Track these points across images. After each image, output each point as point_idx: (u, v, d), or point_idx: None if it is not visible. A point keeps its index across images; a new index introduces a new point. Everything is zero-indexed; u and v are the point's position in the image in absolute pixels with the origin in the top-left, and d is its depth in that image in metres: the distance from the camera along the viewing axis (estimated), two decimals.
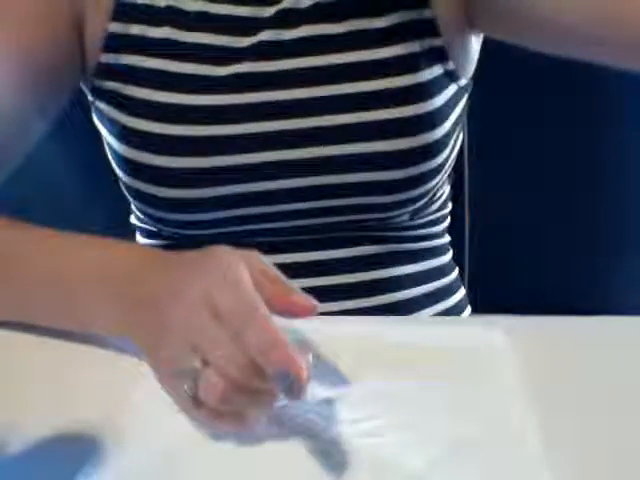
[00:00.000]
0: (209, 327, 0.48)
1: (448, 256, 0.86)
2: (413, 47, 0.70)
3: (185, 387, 0.48)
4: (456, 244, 0.88)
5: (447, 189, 0.84)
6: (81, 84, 0.75)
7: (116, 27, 0.71)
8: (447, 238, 0.87)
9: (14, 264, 0.60)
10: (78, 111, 0.76)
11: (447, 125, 0.72)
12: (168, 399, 0.52)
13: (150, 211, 0.74)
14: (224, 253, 0.52)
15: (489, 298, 0.91)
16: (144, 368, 0.55)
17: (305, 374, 0.45)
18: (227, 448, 0.49)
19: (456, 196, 0.80)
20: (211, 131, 0.69)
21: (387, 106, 0.69)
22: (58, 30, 0.70)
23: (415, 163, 0.71)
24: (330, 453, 0.49)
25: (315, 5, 0.70)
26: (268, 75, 0.70)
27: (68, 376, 0.56)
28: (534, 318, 0.67)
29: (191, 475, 0.48)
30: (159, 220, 0.75)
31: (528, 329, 0.63)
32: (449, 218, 0.86)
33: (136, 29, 0.71)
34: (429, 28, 0.70)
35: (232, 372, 0.47)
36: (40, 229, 0.62)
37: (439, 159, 0.72)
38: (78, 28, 0.71)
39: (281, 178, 0.71)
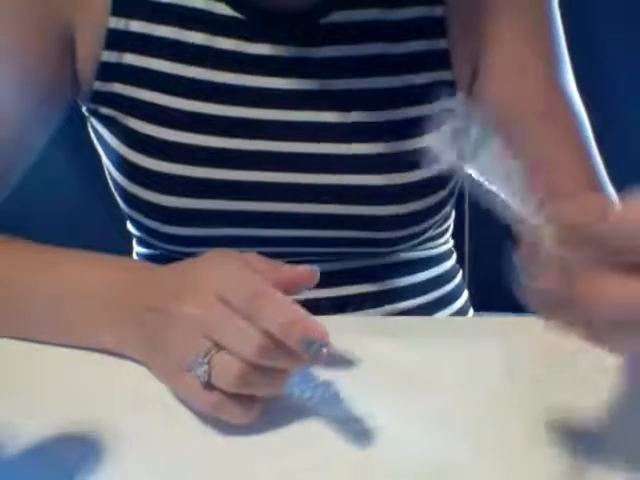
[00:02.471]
0: (219, 314, 0.48)
1: (452, 260, 0.86)
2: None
3: (198, 373, 0.48)
4: (456, 244, 0.88)
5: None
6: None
7: (109, 56, 0.68)
8: (451, 242, 0.86)
9: (13, 282, 0.60)
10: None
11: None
12: (169, 399, 0.52)
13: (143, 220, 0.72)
14: (222, 252, 0.53)
15: (489, 298, 0.91)
16: (145, 368, 0.55)
17: (328, 337, 0.46)
18: (228, 448, 0.49)
19: (456, 196, 0.80)
20: (209, 174, 0.68)
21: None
22: (48, 48, 0.67)
23: (422, 196, 0.71)
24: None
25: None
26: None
27: (68, 376, 0.56)
28: (534, 317, 0.66)
29: (192, 475, 0.48)
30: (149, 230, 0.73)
31: (528, 328, 0.62)
32: (452, 223, 0.86)
33: (130, 58, 0.68)
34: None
35: (247, 352, 0.47)
36: (38, 245, 0.62)
37: (445, 191, 0.73)
38: (70, 50, 0.68)
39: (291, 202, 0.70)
